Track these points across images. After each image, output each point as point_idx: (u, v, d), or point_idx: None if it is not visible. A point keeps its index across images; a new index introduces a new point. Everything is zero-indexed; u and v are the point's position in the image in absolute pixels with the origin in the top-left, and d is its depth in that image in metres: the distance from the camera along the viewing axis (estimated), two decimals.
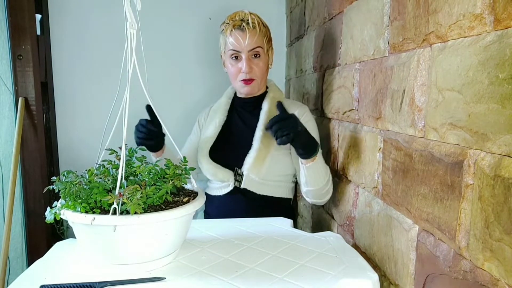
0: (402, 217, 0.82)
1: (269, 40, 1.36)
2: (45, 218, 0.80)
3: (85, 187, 0.80)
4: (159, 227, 0.78)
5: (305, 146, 1.11)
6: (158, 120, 1.14)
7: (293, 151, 1.30)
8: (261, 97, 1.40)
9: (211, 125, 1.42)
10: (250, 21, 1.28)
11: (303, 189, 1.24)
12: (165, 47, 2.01)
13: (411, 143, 0.78)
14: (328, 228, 1.37)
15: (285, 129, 1.04)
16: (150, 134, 1.18)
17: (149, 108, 1.16)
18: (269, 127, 1.06)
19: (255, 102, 1.39)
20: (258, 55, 1.31)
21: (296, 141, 1.07)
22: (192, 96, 2.04)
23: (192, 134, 1.50)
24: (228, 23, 1.32)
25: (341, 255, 0.91)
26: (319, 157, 1.15)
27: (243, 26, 1.28)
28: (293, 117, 1.07)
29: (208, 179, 1.42)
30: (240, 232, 1.07)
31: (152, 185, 0.81)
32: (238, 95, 1.44)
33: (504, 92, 0.52)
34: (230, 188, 1.33)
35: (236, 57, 1.31)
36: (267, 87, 1.43)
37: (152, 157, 1.32)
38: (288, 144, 1.31)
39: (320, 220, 1.48)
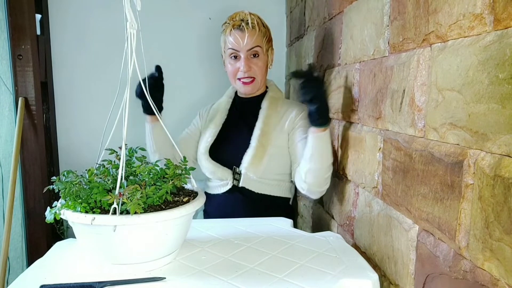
0: (402, 217, 0.82)
1: (269, 40, 1.37)
2: (45, 218, 0.80)
3: (85, 187, 0.80)
4: (159, 227, 0.78)
5: (321, 112, 1.12)
6: (162, 80, 1.26)
7: (292, 145, 1.31)
8: (261, 96, 1.40)
9: (211, 124, 1.42)
10: (249, 21, 1.30)
11: (305, 168, 1.19)
12: (165, 47, 2.01)
13: (411, 143, 0.78)
14: (328, 228, 1.37)
15: (309, 89, 1.08)
16: (157, 86, 1.25)
17: (158, 68, 1.24)
18: (291, 77, 1.13)
19: (255, 102, 1.39)
20: (257, 55, 1.32)
21: (314, 103, 1.09)
22: (192, 96, 2.04)
23: (190, 127, 1.50)
24: (228, 23, 1.34)
25: (341, 255, 0.91)
26: (328, 131, 1.15)
27: (243, 26, 1.29)
28: (319, 79, 1.11)
29: (207, 178, 1.42)
30: (240, 232, 1.07)
31: (152, 185, 0.81)
32: (239, 94, 1.44)
33: (504, 92, 0.52)
34: (229, 186, 1.33)
35: (235, 57, 1.32)
36: (267, 87, 1.43)
37: (146, 124, 1.33)
38: (286, 142, 1.32)
39: (320, 220, 1.48)
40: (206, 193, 1.44)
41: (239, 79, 1.34)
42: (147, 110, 1.27)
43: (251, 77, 1.33)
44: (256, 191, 1.32)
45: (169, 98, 1.97)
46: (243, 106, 1.42)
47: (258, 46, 1.31)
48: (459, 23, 0.63)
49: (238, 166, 1.31)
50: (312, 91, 1.07)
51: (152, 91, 1.17)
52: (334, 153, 1.29)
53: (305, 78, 1.08)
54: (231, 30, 1.31)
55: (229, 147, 1.37)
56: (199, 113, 1.52)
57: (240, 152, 1.32)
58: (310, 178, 1.19)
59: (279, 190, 1.35)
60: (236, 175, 1.31)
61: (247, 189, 1.32)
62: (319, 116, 1.11)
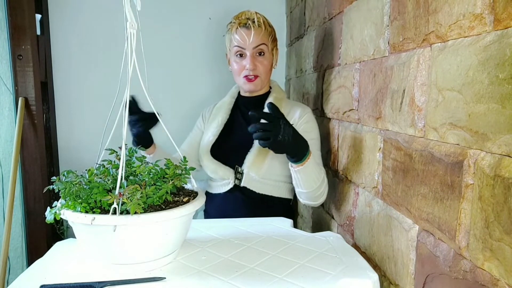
0: (402, 217, 0.82)
1: (274, 40, 1.38)
2: (45, 218, 0.80)
3: (85, 187, 0.80)
4: (159, 227, 0.78)
5: (289, 153, 1.08)
6: (139, 108, 1.18)
7: None
8: (264, 96, 1.40)
9: (213, 123, 1.42)
10: (256, 19, 1.31)
11: (296, 190, 1.23)
12: (165, 47, 2.01)
13: (411, 143, 0.78)
14: (328, 228, 1.37)
15: (267, 132, 1.01)
16: (137, 120, 1.18)
17: (132, 101, 1.16)
18: (253, 119, 1.08)
19: (258, 101, 1.39)
20: (262, 53, 1.32)
21: (275, 148, 1.04)
22: (193, 96, 2.04)
23: (194, 129, 1.51)
24: (234, 22, 1.34)
25: (341, 255, 0.91)
26: (310, 162, 1.12)
27: (249, 24, 1.30)
28: (279, 123, 1.01)
29: (209, 178, 1.42)
30: (240, 232, 1.07)
31: (152, 185, 0.81)
32: (242, 93, 1.44)
33: (504, 92, 0.52)
34: (230, 186, 1.33)
35: (241, 54, 1.33)
36: (270, 87, 1.43)
37: (145, 153, 1.32)
38: None
39: (320, 220, 1.48)
40: (207, 192, 1.44)
41: (244, 76, 1.34)
42: (139, 144, 1.22)
43: (255, 75, 1.33)
44: (257, 191, 1.32)
45: (169, 98, 1.98)
46: (246, 106, 1.42)
47: (264, 44, 1.32)
48: (459, 23, 0.63)
49: (240, 166, 1.31)
50: (268, 136, 1.01)
51: (139, 124, 1.17)
52: (334, 153, 1.29)
53: (265, 121, 1.03)
54: (237, 28, 1.31)
55: (231, 146, 1.37)
56: (202, 114, 1.52)
57: (242, 152, 1.32)
58: (304, 197, 1.23)
59: (280, 190, 1.35)
60: (238, 175, 1.31)
61: (249, 189, 1.32)
62: (290, 157, 1.10)
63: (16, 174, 1.63)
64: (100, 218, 0.73)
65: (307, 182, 1.16)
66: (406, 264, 0.81)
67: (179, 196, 0.87)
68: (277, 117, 1.03)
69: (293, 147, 1.07)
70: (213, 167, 1.34)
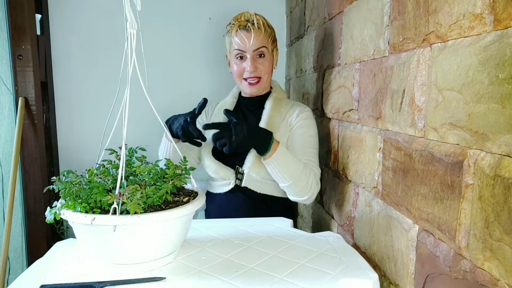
0: (402, 217, 0.82)
1: (274, 40, 1.37)
2: (45, 218, 0.80)
3: (85, 187, 0.80)
4: (159, 227, 0.78)
5: (252, 146, 1.19)
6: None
7: (290, 145, 1.32)
8: (265, 97, 1.40)
9: None
10: (255, 21, 1.30)
11: (280, 186, 1.26)
12: (165, 47, 2.01)
13: (411, 143, 0.78)
14: (328, 228, 1.37)
15: (222, 139, 1.14)
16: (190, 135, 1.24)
17: (203, 102, 1.25)
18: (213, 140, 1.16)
19: (259, 102, 1.39)
20: (263, 55, 1.32)
21: (236, 148, 1.14)
22: (193, 97, 2.04)
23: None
24: (233, 24, 1.33)
25: (341, 255, 0.91)
26: (279, 152, 1.17)
27: (248, 26, 1.29)
28: (228, 126, 1.13)
29: (210, 177, 1.42)
30: (240, 232, 1.07)
31: (152, 185, 0.81)
32: (243, 94, 1.44)
33: (504, 92, 0.52)
34: (231, 186, 1.33)
35: (241, 57, 1.32)
36: (271, 88, 1.43)
37: (168, 137, 1.32)
38: (287, 143, 1.32)
39: (320, 220, 1.48)
40: (208, 192, 1.44)
41: (245, 79, 1.34)
42: (180, 138, 1.27)
43: (257, 77, 1.33)
44: (258, 191, 1.32)
45: (168, 98, 1.98)
46: (247, 106, 1.43)
47: (264, 46, 1.31)
48: (459, 23, 0.63)
49: (241, 166, 1.31)
50: (225, 142, 1.13)
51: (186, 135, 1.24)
52: (334, 153, 1.29)
53: (218, 131, 1.15)
54: (236, 30, 1.31)
55: None
56: (205, 111, 1.52)
57: (243, 152, 1.32)
58: (287, 192, 1.26)
59: (280, 190, 1.35)
60: (239, 175, 1.31)
61: (249, 189, 1.32)
62: (257, 151, 1.20)
63: (16, 174, 1.63)
64: (100, 218, 0.73)
65: (284, 174, 1.19)
66: (406, 264, 0.81)
67: (179, 196, 0.87)
68: (224, 123, 1.16)
69: (251, 140, 1.16)
70: (215, 167, 1.34)
